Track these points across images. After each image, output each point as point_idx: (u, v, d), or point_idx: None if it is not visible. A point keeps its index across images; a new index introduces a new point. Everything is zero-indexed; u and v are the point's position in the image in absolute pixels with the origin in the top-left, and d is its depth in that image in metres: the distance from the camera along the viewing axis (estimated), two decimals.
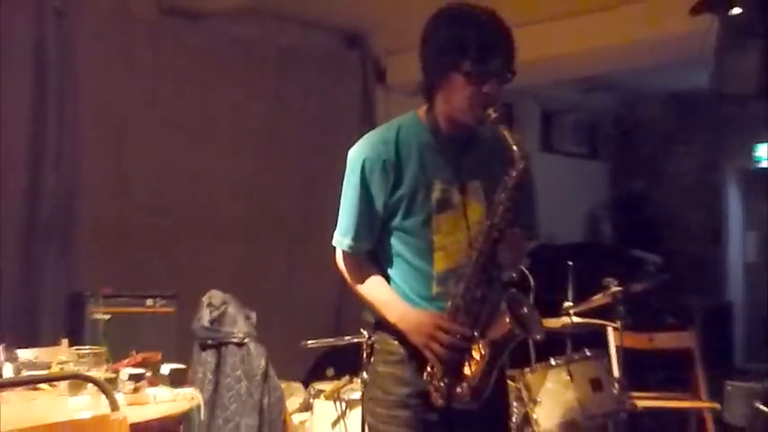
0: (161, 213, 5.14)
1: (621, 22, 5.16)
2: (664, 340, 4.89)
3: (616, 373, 3.97)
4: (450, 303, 2.20)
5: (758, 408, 4.23)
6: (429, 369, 2.21)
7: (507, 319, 2.15)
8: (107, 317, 4.12)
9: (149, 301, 4.39)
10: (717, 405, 4.56)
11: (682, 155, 9.23)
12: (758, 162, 8.91)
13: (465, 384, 2.18)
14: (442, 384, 2.20)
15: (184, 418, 3.43)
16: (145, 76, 5.12)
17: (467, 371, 2.19)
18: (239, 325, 3.73)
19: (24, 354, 3.17)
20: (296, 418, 3.91)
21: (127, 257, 4.90)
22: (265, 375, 3.66)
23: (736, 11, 3.73)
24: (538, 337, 2.32)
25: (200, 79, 5.39)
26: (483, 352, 2.18)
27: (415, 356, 2.25)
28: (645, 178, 9.42)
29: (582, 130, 9.15)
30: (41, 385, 2.97)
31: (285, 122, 5.82)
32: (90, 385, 2.65)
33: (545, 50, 5.29)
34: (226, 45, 5.54)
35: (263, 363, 3.67)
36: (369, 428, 2.42)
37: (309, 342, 3.59)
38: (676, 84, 8.13)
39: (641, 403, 4.50)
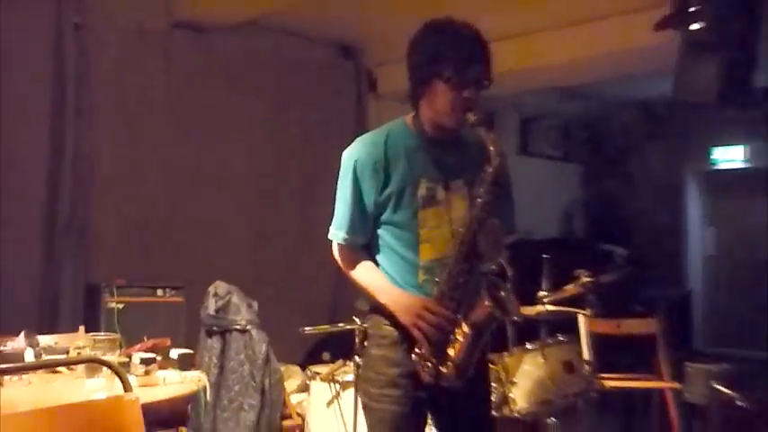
0: (171, 211, 5.13)
1: (594, 36, 5.17)
2: (630, 326, 4.90)
3: (586, 356, 3.98)
4: (435, 289, 2.23)
5: (715, 387, 4.25)
6: (417, 350, 2.23)
7: (487, 303, 2.17)
8: (121, 306, 4.13)
9: (160, 292, 4.39)
10: (678, 385, 4.57)
11: (647, 157, 9.25)
12: (715, 164, 8.97)
13: (450, 364, 2.21)
14: (429, 364, 2.21)
15: (192, 398, 3.43)
16: (156, 84, 5.11)
17: (451, 352, 2.21)
18: (242, 313, 3.73)
19: (45, 339, 3.16)
20: (294, 399, 3.91)
21: (139, 252, 4.89)
22: (266, 359, 3.66)
23: (696, 26, 3.73)
24: (515, 318, 2.35)
25: (207, 87, 5.39)
26: (466, 333, 2.20)
27: (406, 340, 2.27)
28: (614, 179, 9.43)
29: (556, 134, 9.17)
30: (60, 368, 2.95)
31: (286, 126, 5.82)
32: (105, 368, 2.64)
33: (524, 62, 5.30)
34: (231, 56, 5.53)
35: (264, 348, 3.66)
36: (363, 407, 2.42)
37: (307, 329, 3.59)
38: (642, 92, 8.14)
39: (609, 383, 4.51)
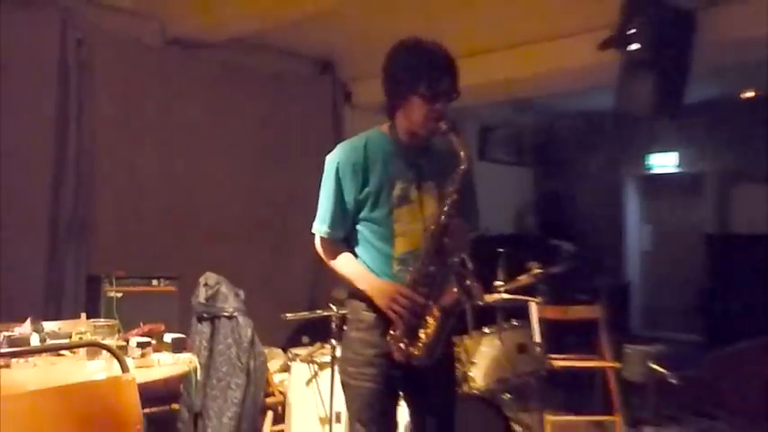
0: (166, 209, 5.09)
1: (544, 54, 5.20)
2: (575, 312, 4.94)
3: (537, 339, 4.01)
4: (409, 278, 2.25)
5: (651, 366, 4.30)
6: (392, 332, 2.24)
7: (455, 290, 2.20)
8: (119, 295, 4.08)
9: (155, 282, 4.35)
10: (618, 364, 4.62)
11: (591, 163, 9.33)
12: (650, 169, 9.06)
13: (421, 345, 2.23)
14: (402, 345, 2.23)
15: (184, 378, 3.41)
16: (152, 94, 5.07)
17: (422, 334, 2.23)
18: (230, 301, 3.70)
19: (49, 326, 3.13)
20: (276, 378, 3.89)
21: (136, 246, 4.84)
22: (251, 342, 3.64)
23: (635, 47, 3.78)
24: (480, 303, 2.38)
25: (198, 97, 5.35)
26: (436, 317, 2.22)
27: (382, 324, 2.28)
28: (561, 181, 9.50)
29: (511, 142, 9.22)
30: (64, 352, 2.92)
31: (270, 133, 5.79)
32: (104, 351, 2.62)
33: (482, 78, 5.31)
34: (221, 71, 5.51)
35: (249, 332, 3.65)
36: (342, 384, 2.42)
37: (288, 315, 3.59)
38: (587, 105, 8.21)
39: (558, 363, 4.55)
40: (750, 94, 7.32)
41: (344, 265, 2.35)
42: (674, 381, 4.29)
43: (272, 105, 5.82)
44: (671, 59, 3.91)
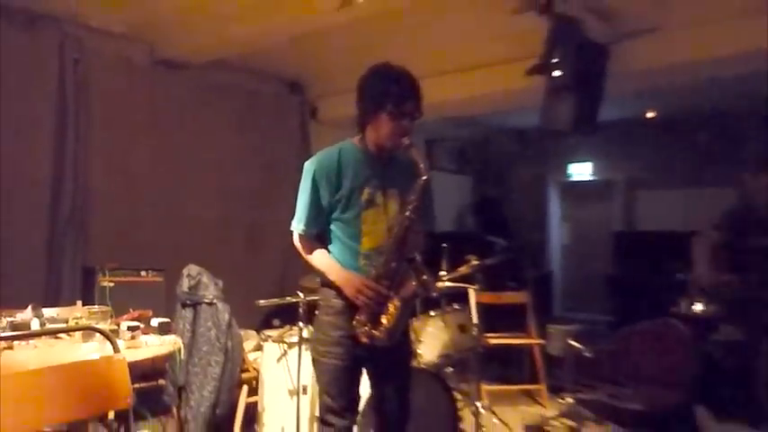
0: (153, 208, 5.00)
1: (481, 79, 5.24)
2: (507, 298, 5.02)
3: (475, 320, 4.03)
4: (373, 271, 2.25)
5: (570, 343, 4.38)
6: (358, 317, 2.25)
7: (413, 283, 2.22)
8: (112, 284, 4.01)
9: (143, 273, 4.27)
10: (542, 341, 4.70)
11: (520, 171, 9.47)
12: (570, 176, 9.23)
13: (383, 329, 2.23)
14: (366, 328, 2.24)
15: (169, 357, 3.35)
16: (142, 108, 4.98)
17: (384, 320, 2.24)
18: (210, 290, 3.66)
19: (48, 312, 3.04)
20: (251, 356, 3.85)
21: (128, 241, 4.74)
22: (229, 325, 3.60)
23: (557, 73, 3.83)
24: (434, 294, 2.43)
25: (183, 112, 5.27)
26: (396, 305, 2.24)
27: (349, 310, 2.29)
28: (496, 187, 9.61)
29: (454, 153, 9.28)
30: (61, 335, 2.84)
31: (246, 144, 5.73)
32: (98, 334, 2.55)
33: (430, 97, 5.30)
34: (203, 89, 5.43)
35: (227, 316, 3.60)
36: (312, 361, 2.42)
37: (261, 302, 3.55)
38: (517, 122, 8.32)
39: (492, 341, 4.60)
40: (652, 114, 7.52)
41: (318, 258, 2.35)
42: (588, 354, 4.37)
43: (248, 119, 5.77)
44: (587, 84, 3.97)
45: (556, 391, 4.72)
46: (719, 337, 4.40)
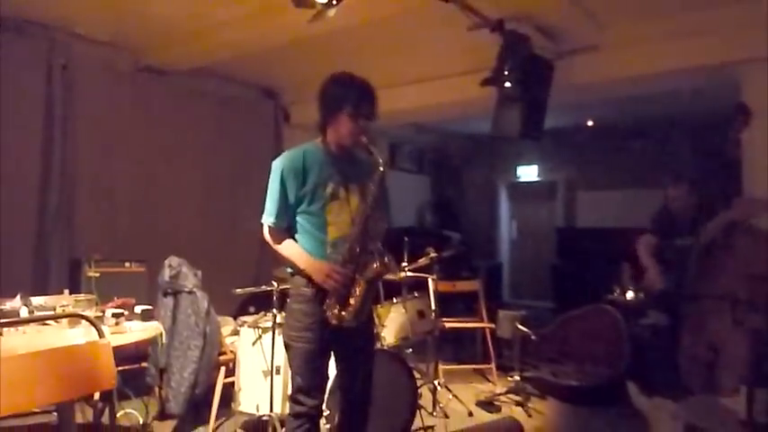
0: (137, 204, 4.90)
1: (439, 89, 5.27)
2: (461, 286, 5.05)
3: (433, 306, 4.07)
4: (340, 258, 2.25)
5: (517, 326, 4.45)
6: (327, 301, 2.24)
7: (376, 264, 2.22)
8: (97, 275, 3.92)
9: (127, 264, 4.20)
10: (493, 325, 4.75)
11: (474, 173, 9.56)
12: (518, 178, 9.34)
13: (350, 309, 2.23)
14: (335, 311, 2.24)
15: (152, 341, 3.29)
16: (126, 113, 4.87)
17: (351, 301, 2.24)
18: (190, 279, 3.59)
19: (36, 300, 2.95)
20: (228, 340, 3.80)
21: (113, 234, 4.64)
22: (208, 312, 3.55)
23: (507, 85, 3.87)
24: (395, 275, 2.43)
25: (165, 115, 5.17)
26: (361, 287, 2.24)
27: (318, 297, 2.27)
28: (452, 187, 9.69)
29: (414, 155, 9.31)
30: (49, 322, 2.76)
31: (223, 145, 5.65)
32: (84, 321, 2.49)
33: (394, 105, 5.34)
34: (184, 94, 5.33)
35: (206, 304, 3.55)
36: (285, 346, 2.39)
37: (237, 290, 3.51)
38: (471, 128, 8.39)
39: (448, 325, 4.64)
40: (591, 123, 7.67)
41: (288, 249, 2.34)
42: (533, 337, 4.45)
43: (226, 123, 5.69)
44: (534, 95, 4.02)
45: (504, 369, 4.78)
46: (647, 321, 4.53)
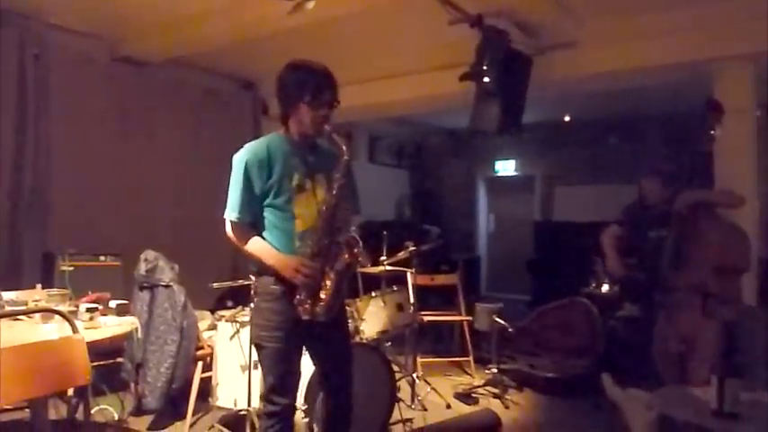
0: (113, 196, 4.81)
1: (419, 84, 5.25)
2: (440, 279, 5.08)
3: (412, 300, 4.07)
4: (309, 251, 2.20)
5: (494, 319, 4.48)
6: (298, 296, 2.20)
7: (346, 256, 2.19)
8: (71, 269, 3.85)
9: (102, 258, 4.12)
10: (470, 318, 4.78)
11: (452, 167, 9.59)
12: (496, 172, 9.41)
13: (322, 303, 2.19)
14: (306, 306, 2.19)
15: (127, 336, 3.24)
16: (101, 105, 4.77)
17: (323, 294, 2.20)
18: (166, 273, 3.54)
19: (8, 295, 2.88)
20: (206, 334, 3.76)
21: (86, 227, 4.54)
22: (185, 306, 3.50)
23: (486, 80, 3.88)
24: (367, 265, 2.38)
25: (142, 107, 5.08)
26: (332, 279, 2.20)
27: (287, 295, 2.22)
28: (431, 181, 9.71)
29: (393, 149, 9.32)
30: (21, 317, 2.70)
31: (201, 138, 5.57)
32: (57, 316, 2.44)
33: (374, 99, 5.33)
34: (161, 85, 5.24)
35: (183, 298, 3.50)
36: (255, 346, 2.34)
37: (215, 284, 3.47)
38: (450, 123, 8.42)
39: (427, 318, 4.66)
40: (568, 118, 7.73)
41: (254, 246, 2.26)
42: (510, 330, 4.49)
43: (204, 115, 5.62)
44: (512, 91, 4.04)
45: (482, 362, 4.82)
46: (622, 313, 4.60)
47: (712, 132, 3.17)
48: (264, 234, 2.28)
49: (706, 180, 3.42)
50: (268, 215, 2.27)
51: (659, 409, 2.50)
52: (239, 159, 2.25)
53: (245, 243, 2.27)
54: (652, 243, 3.47)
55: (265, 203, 2.25)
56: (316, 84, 2.21)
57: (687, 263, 3.21)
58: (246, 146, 2.30)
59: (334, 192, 2.21)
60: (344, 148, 2.22)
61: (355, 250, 2.21)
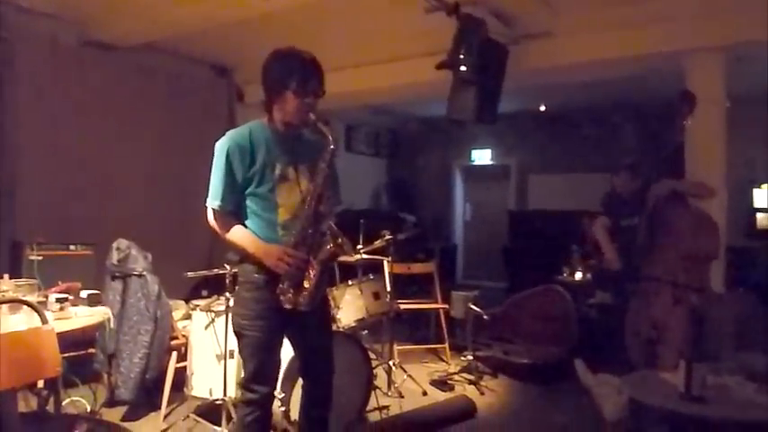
0: (82, 185, 4.70)
1: (395, 72, 5.24)
2: (416, 268, 5.08)
3: (388, 288, 4.07)
4: (292, 239, 2.19)
5: (470, 307, 4.51)
6: (281, 286, 2.18)
7: (330, 245, 2.18)
8: (40, 258, 3.76)
9: (72, 247, 4.02)
10: (446, 306, 4.81)
11: (429, 156, 9.60)
12: (473, 161, 9.45)
13: (305, 293, 2.18)
14: (289, 295, 2.18)
15: (99, 327, 3.19)
16: (70, 90, 4.64)
17: (306, 284, 2.19)
18: (140, 262, 3.48)
19: None
20: (180, 324, 3.72)
21: (56, 216, 4.43)
22: (158, 296, 3.45)
23: (463, 69, 3.87)
24: (350, 255, 2.35)
25: (112, 94, 4.96)
26: (315, 268, 2.19)
27: (269, 284, 2.20)
28: (407, 169, 9.71)
29: (370, 138, 9.29)
30: None
31: (175, 125, 5.47)
32: (25, 306, 2.38)
33: (350, 87, 5.29)
34: (132, 71, 5.12)
35: (156, 287, 3.45)
36: (236, 334, 2.30)
37: (189, 274, 3.42)
38: (427, 111, 8.41)
39: (403, 306, 4.66)
40: (543, 108, 7.79)
41: (236, 234, 2.23)
42: (485, 317, 4.53)
43: (178, 102, 5.50)
44: (489, 80, 4.04)
45: (458, 349, 4.86)
46: (595, 301, 4.67)
47: (684, 123, 3.22)
48: (247, 223, 2.26)
49: (677, 170, 3.47)
50: (250, 204, 2.24)
51: (629, 393, 2.55)
52: (221, 146, 2.21)
53: (228, 231, 2.23)
54: (624, 232, 3.53)
55: (248, 192, 2.23)
56: (302, 72, 2.18)
57: (658, 251, 3.27)
58: (229, 133, 2.26)
59: (319, 181, 2.19)
60: (331, 136, 2.20)
61: (339, 240, 2.20)
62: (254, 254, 2.20)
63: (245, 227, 2.25)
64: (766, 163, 6.72)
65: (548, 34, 4.36)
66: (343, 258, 3.92)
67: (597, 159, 7.38)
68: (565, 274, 5.28)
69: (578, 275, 5.23)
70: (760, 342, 3.08)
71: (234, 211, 2.25)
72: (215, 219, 2.25)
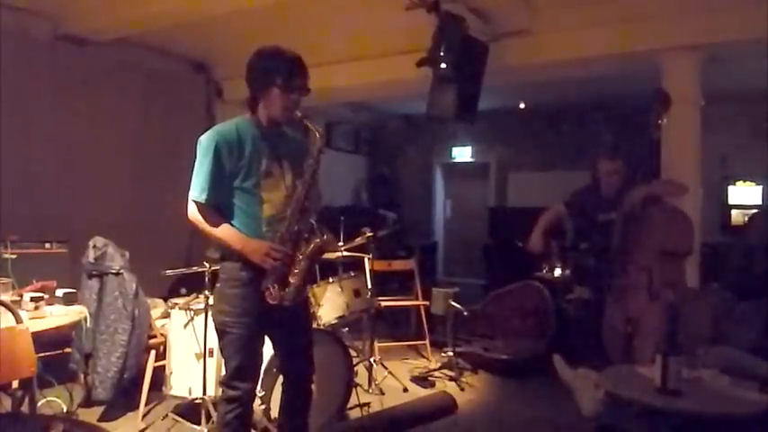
0: (59, 182, 4.64)
1: (375, 68, 5.23)
2: (397, 265, 5.10)
3: (369, 285, 4.08)
4: (278, 235, 2.20)
5: (450, 303, 4.53)
6: (266, 281, 2.18)
7: (317, 241, 2.19)
8: (14, 256, 3.67)
9: (47, 245, 3.94)
10: (427, 303, 4.83)
11: (409, 152, 9.61)
12: (453, 159, 9.47)
13: (291, 289, 2.18)
14: (274, 291, 2.18)
15: (76, 326, 3.14)
16: (44, 85, 4.56)
17: (291, 279, 2.20)
18: (117, 260, 3.43)
19: None
20: (159, 323, 3.68)
21: (30, 213, 4.35)
22: (136, 294, 3.41)
23: (443, 66, 3.89)
24: (336, 250, 2.36)
25: (87, 89, 4.88)
26: (301, 264, 2.20)
27: (253, 281, 2.20)
28: (388, 166, 9.70)
29: (350, 135, 9.26)
30: None
31: (151, 121, 5.41)
32: None
33: (330, 83, 5.27)
34: (107, 66, 5.04)
35: (134, 286, 3.41)
36: (218, 332, 2.28)
37: (168, 271, 3.39)
38: (407, 109, 8.42)
39: (384, 303, 4.66)
40: (522, 105, 7.85)
41: (221, 230, 2.20)
42: (465, 313, 4.56)
43: (154, 99, 5.44)
44: (469, 77, 4.06)
45: (438, 345, 4.88)
46: (573, 296, 4.72)
47: (660, 122, 3.27)
48: (233, 220, 2.24)
49: (652, 168, 3.52)
50: (237, 200, 2.24)
51: (606, 387, 2.59)
52: (208, 140, 2.19)
53: (211, 224, 2.21)
54: (601, 226, 3.57)
55: (234, 186, 2.22)
56: (287, 70, 2.20)
57: (634, 247, 3.32)
58: (215, 128, 2.26)
59: (307, 177, 2.20)
60: (319, 133, 2.22)
61: (324, 236, 2.21)
62: (242, 250, 2.19)
63: (230, 223, 2.23)
64: (741, 160, 6.87)
65: (527, 32, 4.40)
66: (324, 255, 3.93)
67: (575, 157, 7.46)
68: (544, 271, 5.33)
69: (557, 272, 5.29)
70: (734, 336, 3.15)
71: (216, 207, 2.23)
72: (199, 212, 2.22)
